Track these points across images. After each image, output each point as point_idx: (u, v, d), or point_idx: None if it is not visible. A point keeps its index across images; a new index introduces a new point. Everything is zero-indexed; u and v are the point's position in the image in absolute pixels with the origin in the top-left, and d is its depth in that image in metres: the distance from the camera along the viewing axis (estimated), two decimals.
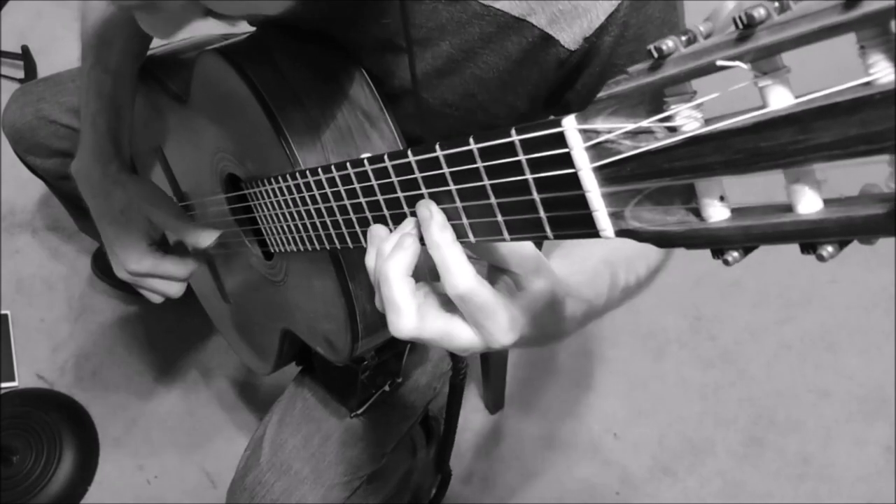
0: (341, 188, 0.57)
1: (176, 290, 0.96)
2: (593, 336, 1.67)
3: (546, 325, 0.54)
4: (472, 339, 0.50)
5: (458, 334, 0.50)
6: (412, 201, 0.51)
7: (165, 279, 0.94)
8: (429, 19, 0.73)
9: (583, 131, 0.37)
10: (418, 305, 0.50)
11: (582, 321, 0.63)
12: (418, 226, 0.50)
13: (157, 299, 0.97)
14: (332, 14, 0.80)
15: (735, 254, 0.34)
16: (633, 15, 0.69)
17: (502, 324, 0.49)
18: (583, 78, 0.73)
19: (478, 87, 0.76)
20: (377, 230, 0.53)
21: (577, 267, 0.63)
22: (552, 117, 0.39)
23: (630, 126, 0.36)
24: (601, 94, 0.36)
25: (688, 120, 0.34)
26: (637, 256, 0.71)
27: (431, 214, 0.48)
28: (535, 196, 0.41)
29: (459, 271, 0.47)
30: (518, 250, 0.50)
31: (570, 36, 0.70)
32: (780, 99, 0.31)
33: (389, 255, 0.50)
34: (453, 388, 1.13)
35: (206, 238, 0.92)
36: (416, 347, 1.03)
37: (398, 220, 0.53)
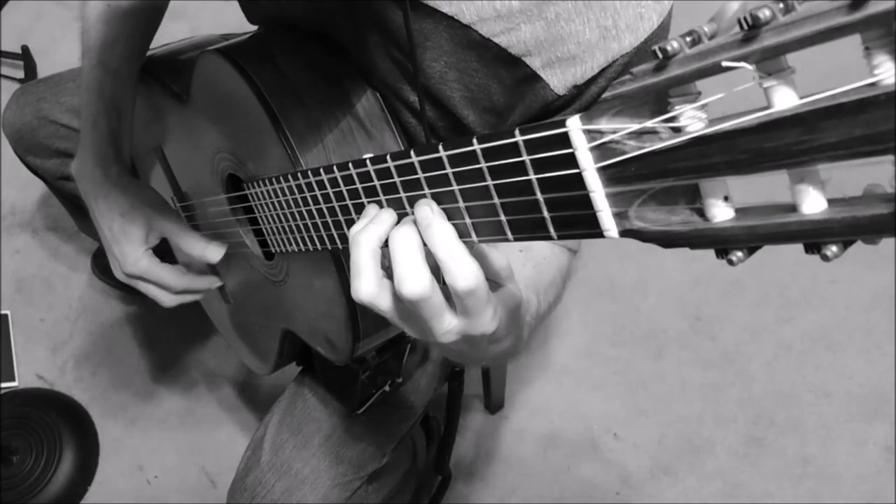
0: (343, 188, 0.57)
1: (168, 299, 0.96)
2: (594, 336, 1.67)
3: (512, 325, 0.55)
4: (455, 324, 0.50)
5: (448, 316, 0.50)
6: (414, 201, 0.51)
7: (159, 286, 0.95)
8: (428, 38, 0.73)
9: (587, 131, 0.37)
10: (380, 277, 0.51)
11: (529, 336, 0.65)
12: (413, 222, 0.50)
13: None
14: (333, 18, 0.80)
15: (739, 253, 0.34)
16: (622, 73, 0.70)
17: (490, 314, 0.50)
18: (555, 117, 0.75)
19: (467, 108, 0.77)
20: (372, 207, 0.54)
21: None
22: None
23: (634, 126, 0.36)
24: (606, 95, 0.36)
25: (692, 120, 0.34)
26: (550, 284, 0.73)
27: (432, 212, 0.48)
28: (539, 196, 0.41)
29: (466, 268, 0.47)
30: (499, 260, 0.52)
31: (560, 81, 0.72)
32: (785, 99, 0.31)
33: (365, 227, 0.51)
34: (452, 391, 1.13)
35: (213, 252, 0.92)
36: (416, 347, 1.03)
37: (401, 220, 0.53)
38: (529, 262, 0.72)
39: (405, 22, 0.70)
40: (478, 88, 0.75)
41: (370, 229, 0.51)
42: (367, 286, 0.50)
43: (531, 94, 0.74)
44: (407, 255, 0.48)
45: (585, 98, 0.73)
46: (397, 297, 0.51)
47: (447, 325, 0.50)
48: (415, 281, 0.48)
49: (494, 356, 0.58)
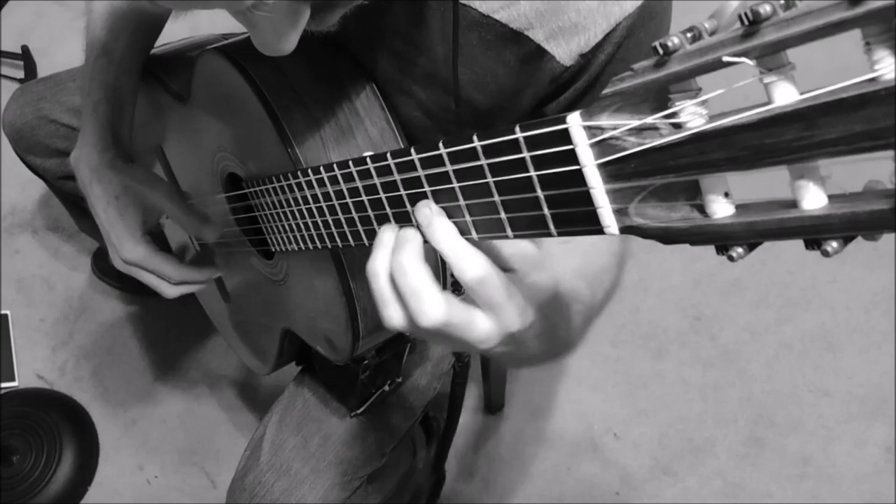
0: (343, 186, 0.57)
1: (171, 291, 0.95)
2: (593, 336, 1.67)
3: (552, 316, 0.54)
4: (489, 327, 0.49)
5: (479, 322, 0.49)
6: (415, 199, 0.51)
7: (158, 276, 0.94)
8: (430, 17, 0.73)
9: (587, 128, 0.37)
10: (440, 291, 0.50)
11: (582, 327, 0.63)
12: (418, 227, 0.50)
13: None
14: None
15: (739, 250, 0.34)
16: (627, 37, 0.70)
17: (516, 305, 0.49)
18: (567, 92, 0.74)
19: (475, 91, 0.76)
20: (386, 235, 0.53)
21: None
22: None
23: (635, 123, 0.36)
24: (606, 91, 0.36)
25: (693, 116, 0.34)
26: (601, 270, 0.72)
27: (432, 212, 0.48)
28: (539, 193, 0.41)
29: (471, 258, 0.47)
30: (519, 249, 0.50)
31: (566, 52, 0.70)
32: (786, 95, 0.31)
33: (398, 248, 0.50)
34: (454, 390, 1.13)
35: (209, 233, 0.92)
36: (416, 347, 1.03)
37: (400, 218, 0.53)
38: (575, 252, 0.69)
39: (454, 19, 0.69)
40: (483, 72, 0.75)
41: (378, 257, 0.51)
42: (399, 317, 0.50)
43: (538, 71, 0.72)
44: (414, 290, 0.48)
45: (594, 67, 0.71)
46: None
47: (480, 333, 0.49)
48: (430, 314, 0.47)
49: (549, 352, 0.57)
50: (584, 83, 0.73)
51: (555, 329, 0.54)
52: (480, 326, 0.49)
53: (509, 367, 0.69)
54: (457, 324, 0.48)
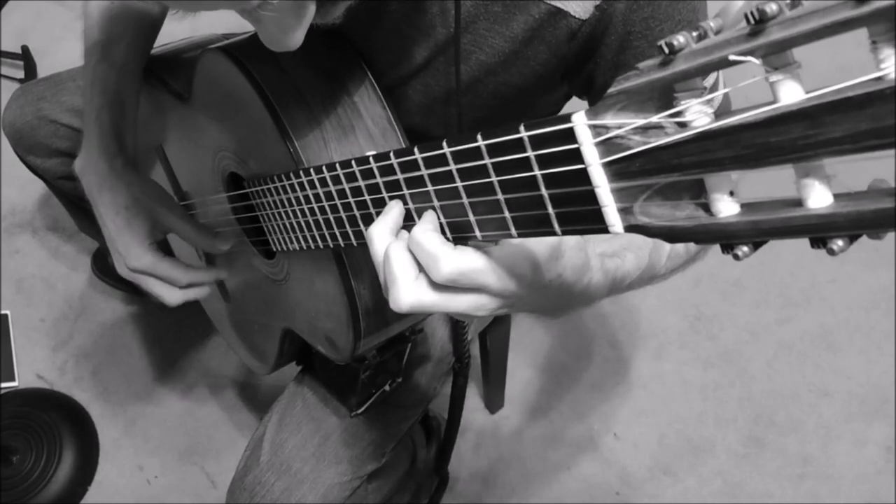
0: (346, 186, 0.57)
1: (174, 297, 0.95)
2: (593, 336, 1.67)
3: (544, 269, 0.53)
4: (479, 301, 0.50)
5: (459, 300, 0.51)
6: (417, 198, 0.51)
7: (164, 281, 0.94)
8: (431, 5, 0.72)
9: (592, 126, 0.37)
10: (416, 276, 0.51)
11: (608, 285, 0.62)
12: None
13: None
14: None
15: (745, 248, 0.34)
16: None
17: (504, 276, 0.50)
18: (601, 50, 0.71)
19: (483, 72, 0.75)
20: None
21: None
22: (561, 113, 0.39)
23: (640, 121, 0.36)
24: (611, 90, 0.36)
25: (698, 115, 0.34)
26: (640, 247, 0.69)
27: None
28: (544, 192, 0.41)
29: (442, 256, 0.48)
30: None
31: (580, 6, 0.68)
32: (791, 94, 0.31)
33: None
34: (454, 391, 1.13)
35: (221, 244, 0.93)
36: (417, 347, 1.03)
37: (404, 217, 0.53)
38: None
39: (455, 8, 0.68)
40: (493, 51, 0.73)
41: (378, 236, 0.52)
42: (407, 292, 0.51)
43: (552, 33, 0.70)
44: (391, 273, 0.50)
45: (615, 18, 0.68)
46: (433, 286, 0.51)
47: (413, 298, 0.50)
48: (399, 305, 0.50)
49: (563, 302, 0.57)
50: (613, 37, 0.69)
51: (552, 284, 0.54)
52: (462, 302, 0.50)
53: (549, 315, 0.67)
54: (431, 305, 0.50)
